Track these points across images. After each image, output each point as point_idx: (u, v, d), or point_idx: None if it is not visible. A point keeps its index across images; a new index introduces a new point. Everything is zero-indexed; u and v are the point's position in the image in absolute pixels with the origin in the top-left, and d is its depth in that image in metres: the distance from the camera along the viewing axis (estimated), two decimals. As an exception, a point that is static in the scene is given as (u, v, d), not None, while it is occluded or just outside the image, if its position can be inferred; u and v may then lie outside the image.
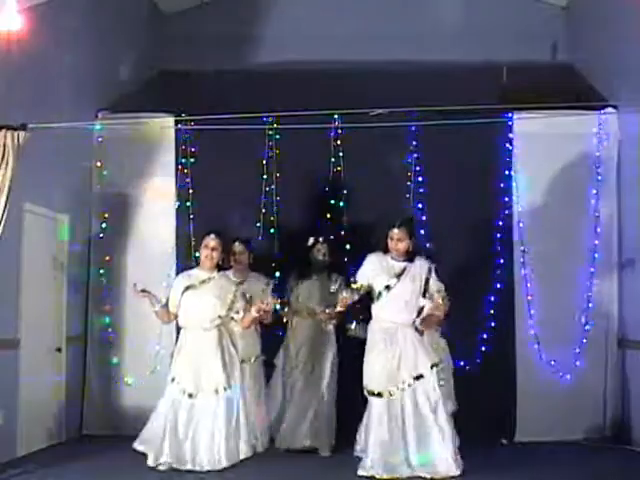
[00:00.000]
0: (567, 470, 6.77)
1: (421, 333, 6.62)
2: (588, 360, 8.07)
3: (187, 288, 6.80)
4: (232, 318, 6.88)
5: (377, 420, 6.41)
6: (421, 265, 6.66)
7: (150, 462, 6.54)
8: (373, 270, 6.64)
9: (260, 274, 7.61)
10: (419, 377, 6.44)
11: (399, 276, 6.58)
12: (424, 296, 6.62)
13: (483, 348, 8.07)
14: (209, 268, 6.88)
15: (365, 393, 6.56)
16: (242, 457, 6.74)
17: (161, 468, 6.52)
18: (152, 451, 6.56)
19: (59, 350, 7.82)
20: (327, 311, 7.38)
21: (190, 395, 6.64)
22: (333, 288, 7.06)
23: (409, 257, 6.64)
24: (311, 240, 7.57)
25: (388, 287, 6.56)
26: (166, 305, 6.89)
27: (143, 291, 6.78)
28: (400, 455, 6.35)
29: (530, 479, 6.59)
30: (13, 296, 6.95)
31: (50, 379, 7.74)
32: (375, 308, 6.65)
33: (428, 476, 6.29)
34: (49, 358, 7.71)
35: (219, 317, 6.81)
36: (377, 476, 6.28)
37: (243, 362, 7.12)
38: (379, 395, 6.45)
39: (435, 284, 6.65)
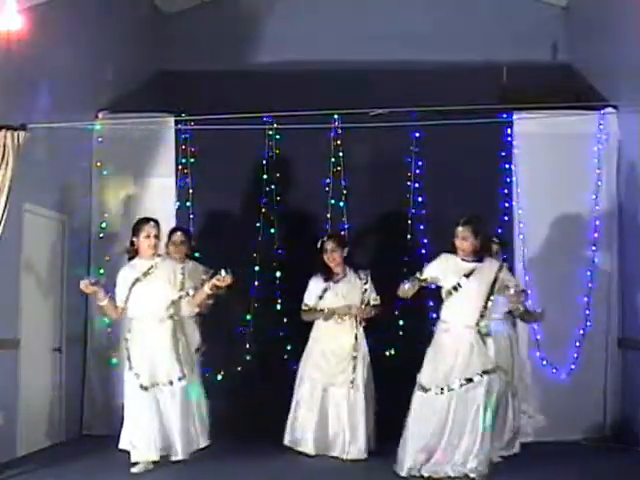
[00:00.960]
0: (567, 470, 6.76)
1: (485, 335, 6.55)
2: (588, 360, 8.06)
3: (135, 281, 6.72)
4: (184, 296, 6.78)
5: (418, 416, 6.40)
6: (490, 266, 6.60)
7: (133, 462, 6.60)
8: (442, 269, 6.58)
9: (197, 264, 7.53)
10: (469, 380, 6.39)
11: (467, 276, 6.51)
12: (491, 294, 6.53)
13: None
14: (150, 256, 6.78)
15: (417, 389, 6.52)
16: (200, 447, 6.79)
17: (136, 470, 6.57)
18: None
19: (59, 350, 7.83)
20: (363, 307, 7.28)
21: (146, 388, 6.61)
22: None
23: (478, 257, 6.57)
24: (320, 242, 7.39)
25: (456, 287, 6.51)
26: (113, 300, 6.78)
27: (93, 284, 6.65)
28: (441, 454, 6.34)
29: (530, 479, 6.59)
30: (13, 296, 6.95)
31: (50, 379, 7.74)
32: (442, 308, 6.63)
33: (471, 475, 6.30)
34: (49, 358, 7.71)
35: (172, 302, 6.75)
36: (401, 472, 6.33)
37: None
38: (426, 390, 6.42)
39: (506, 279, 6.56)
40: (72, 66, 7.76)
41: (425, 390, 6.43)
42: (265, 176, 8.23)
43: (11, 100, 6.57)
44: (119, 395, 8.18)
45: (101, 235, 8.37)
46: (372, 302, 7.33)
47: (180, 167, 8.32)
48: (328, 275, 7.33)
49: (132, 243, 6.83)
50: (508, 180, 8.25)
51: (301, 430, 7.22)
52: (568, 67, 9.60)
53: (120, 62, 8.91)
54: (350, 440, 7.10)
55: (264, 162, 8.23)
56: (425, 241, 8.14)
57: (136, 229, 6.81)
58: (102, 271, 8.33)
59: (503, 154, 8.26)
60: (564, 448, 7.65)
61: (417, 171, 8.21)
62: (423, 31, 9.75)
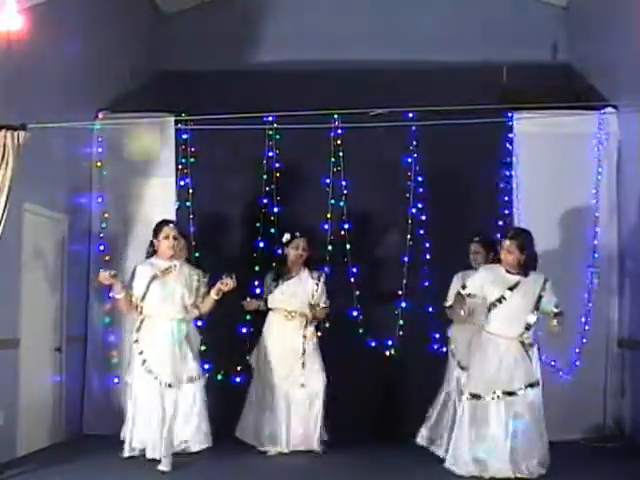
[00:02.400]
0: (566, 470, 6.76)
1: (528, 347, 6.56)
2: (588, 360, 8.06)
3: (153, 277, 6.79)
4: (198, 303, 6.91)
5: (462, 422, 6.45)
6: (536, 280, 6.60)
7: (150, 455, 6.63)
8: (485, 280, 6.61)
9: (191, 265, 7.56)
10: (511, 394, 6.43)
11: (512, 289, 6.53)
12: (537, 309, 6.55)
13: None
14: (169, 257, 6.86)
15: (464, 396, 6.56)
16: (203, 447, 6.83)
17: (164, 469, 6.56)
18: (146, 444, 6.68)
19: (59, 350, 7.82)
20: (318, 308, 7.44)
21: (170, 385, 6.66)
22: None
23: (523, 271, 6.58)
24: (287, 236, 7.50)
25: (500, 300, 6.53)
26: (130, 294, 6.82)
27: (113, 276, 6.72)
28: (484, 460, 6.41)
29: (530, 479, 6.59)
30: (13, 296, 6.95)
31: (50, 379, 7.74)
32: (486, 318, 6.63)
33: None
34: (49, 358, 7.71)
35: (186, 306, 6.84)
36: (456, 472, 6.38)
37: None
38: (476, 397, 6.45)
39: (550, 300, 6.59)
40: (72, 66, 7.77)
41: (474, 397, 6.46)
42: (265, 176, 8.23)
43: (11, 100, 6.57)
44: (119, 395, 8.23)
45: (101, 235, 8.37)
46: (322, 305, 7.49)
47: (180, 167, 8.32)
48: (282, 272, 7.48)
49: (152, 244, 6.93)
50: (508, 180, 8.24)
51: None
52: (568, 67, 9.60)
53: (120, 62, 8.92)
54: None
55: (264, 162, 8.23)
56: (425, 241, 8.12)
57: (156, 230, 6.91)
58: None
59: (503, 154, 8.26)
60: (564, 448, 7.64)
61: (417, 171, 8.20)
62: (423, 31, 9.75)
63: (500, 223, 8.20)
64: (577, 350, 8.08)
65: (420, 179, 8.23)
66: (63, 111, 7.41)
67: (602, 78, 8.62)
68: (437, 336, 8.03)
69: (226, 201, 8.24)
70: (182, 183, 8.30)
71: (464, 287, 6.72)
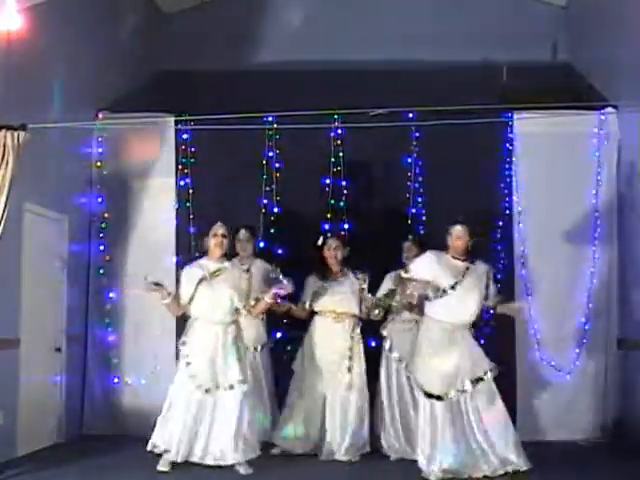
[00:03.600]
0: (567, 470, 6.77)
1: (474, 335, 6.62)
2: (588, 360, 8.07)
3: (200, 280, 6.72)
4: (247, 307, 6.84)
5: (441, 423, 6.34)
6: (482, 267, 6.64)
7: (172, 458, 6.54)
8: (433, 267, 6.55)
9: (263, 260, 7.60)
10: (479, 380, 6.41)
11: (463, 275, 6.50)
12: (485, 299, 6.59)
13: (483, 348, 8.04)
14: (218, 257, 6.83)
15: (422, 395, 6.49)
16: (256, 454, 6.69)
17: (163, 469, 6.52)
18: (171, 446, 6.54)
19: (59, 350, 7.82)
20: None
21: (207, 390, 6.58)
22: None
23: (469, 257, 6.59)
24: (321, 239, 7.41)
25: (452, 286, 6.48)
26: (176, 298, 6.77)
27: (156, 284, 6.64)
28: (475, 454, 6.35)
29: (530, 479, 6.59)
30: (13, 296, 6.95)
31: (50, 379, 7.74)
32: (434, 307, 6.56)
33: (507, 470, 6.34)
34: (49, 358, 7.71)
35: (236, 309, 6.78)
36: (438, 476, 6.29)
37: (254, 350, 7.31)
38: (440, 398, 6.37)
39: (493, 288, 6.64)
40: (72, 66, 7.77)
41: (437, 397, 6.38)
42: (265, 176, 8.23)
43: (11, 100, 6.57)
44: (119, 395, 8.25)
45: (101, 235, 8.37)
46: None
47: (180, 167, 8.32)
48: (326, 274, 7.32)
49: (203, 244, 6.94)
50: (508, 179, 8.25)
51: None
52: (568, 67, 9.60)
53: (120, 62, 8.92)
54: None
55: (264, 162, 8.23)
56: (425, 241, 8.10)
57: (208, 230, 6.92)
58: (102, 271, 8.34)
59: (503, 154, 8.26)
60: (564, 448, 7.65)
61: (417, 171, 8.20)
62: (423, 31, 9.74)
63: (500, 223, 8.21)
64: (577, 350, 8.08)
65: (420, 179, 8.23)
66: (63, 111, 7.42)
67: (602, 78, 8.62)
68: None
69: (226, 201, 8.23)
70: (182, 183, 8.30)
71: (407, 271, 6.62)
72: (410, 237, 7.43)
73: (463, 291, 6.47)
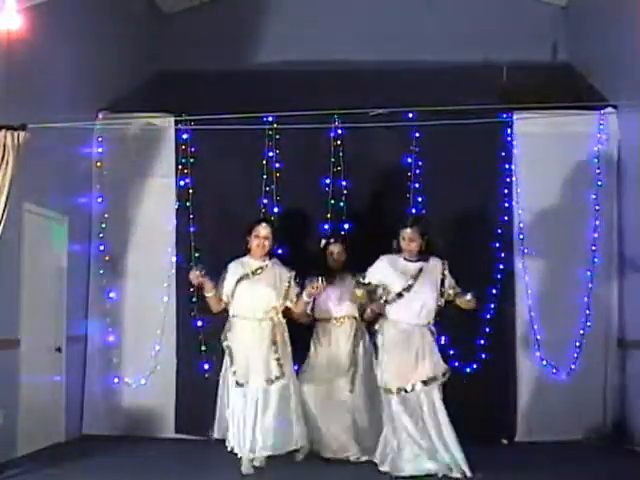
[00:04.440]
0: (567, 470, 6.77)
1: (433, 334, 6.65)
2: (588, 360, 8.07)
3: (241, 277, 6.80)
4: (288, 306, 6.88)
5: (397, 418, 6.43)
6: (435, 264, 6.68)
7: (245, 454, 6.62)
8: (387, 271, 6.62)
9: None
10: (434, 379, 6.47)
11: (416, 277, 6.57)
12: (441, 296, 6.64)
13: (483, 348, 8.06)
14: (261, 256, 6.89)
15: (382, 392, 6.58)
16: (294, 447, 6.77)
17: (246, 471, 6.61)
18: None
19: (59, 350, 7.82)
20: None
21: (242, 385, 6.64)
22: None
23: (423, 257, 6.63)
24: (323, 241, 7.45)
25: (407, 289, 6.55)
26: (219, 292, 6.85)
27: (203, 276, 6.76)
28: (425, 452, 6.37)
29: (530, 479, 6.60)
30: (13, 296, 6.95)
31: (50, 379, 7.74)
32: (392, 310, 6.63)
33: (458, 475, 6.33)
34: (49, 358, 7.71)
35: (273, 307, 6.81)
36: (403, 474, 6.32)
37: None
38: (396, 393, 6.45)
39: (450, 283, 6.69)
40: (72, 66, 7.77)
41: (394, 392, 6.45)
42: (265, 176, 8.23)
43: (11, 100, 6.57)
44: (119, 395, 8.25)
45: (101, 235, 8.37)
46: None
47: (180, 167, 8.32)
48: (326, 278, 7.31)
49: (246, 242, 6.97)
50: (508, 180, 8.24)
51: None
52: (568, 67, 9.60)
53: (120, 62, 8.92)
54: None
55: (264, 162, 8.22)
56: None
57: (249, 229, 6.95)
58: (102, 271, 8.34)
59: (503, 154, 8.26)
60: (564, 448, 7.65)
61: (417, 171, 8.20)
62: (423, 31, 9.75)
63: (500, 223, 8.20)
64: (577, 350, 8.08)
65: (420, 179, 8.22)
66: (63, 111, 7.42)
67: (602, 78, 8.62)
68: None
69: (226, 201, 8.23)
70: (182, 183, 8.29)
71: (364, 277, 6.69)
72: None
73: (418, 292, 6.56)
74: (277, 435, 6.63)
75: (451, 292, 6.69)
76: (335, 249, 7.40)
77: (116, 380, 8.25)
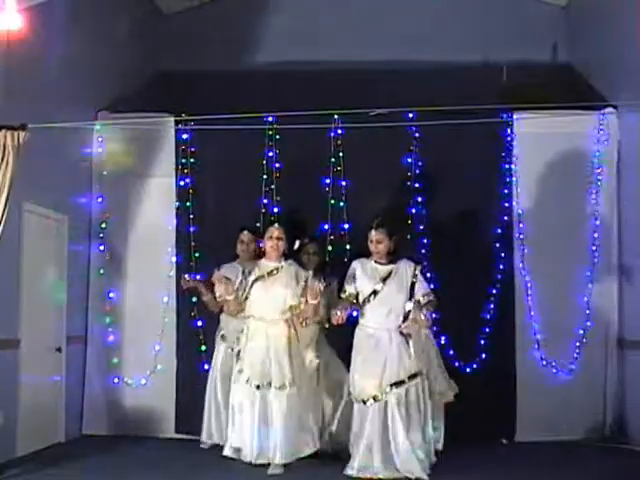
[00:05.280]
0: (567, 470, 6.77)
1: (407, 337, 6.52)
2: (588, 360, 8.07)
3: (256, 279, 6.80)
4: (303, 303, 6.80)
5: (362, 425, 6.36)
6: (407, 267, 6.59)
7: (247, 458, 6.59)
8: (358, 276, 6.58)
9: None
10: (400, 383, 6.36)
11: (385, 280, 6.51)
12: (410, 299, 6.53)
13: (483, 349, 8.07)
14: (276, 258, 6.87)
15: (353, 399, 6.54)
16: (306, 453, 6.69)
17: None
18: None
19: (59, 350, 7.82)
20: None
21: (258, 387, 6.61)
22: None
23: (393, 259, 6.58)
24: (297, 243, 7.25)
25: (375, 292, 6.50)
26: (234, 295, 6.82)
27: (227, 278, 6.79)
28: (383, 456, 6.30)
29: (530, 479, 6.60)
30: (13, 296, 6.95)
31: (50, 379, 7.74)
32: (363, 313, 6.59)
33: (412, 477, 6.27)
34: (49, 358, 7.71)
35: (290, 307, 6.77)
36: (364, 476, 6.27)
37: None
38: (365, 402, 6.39)
39: (421, 287, 6.57)
40: (72, 66, 7.76)
41: (364, 401, 6.38)
42: (265, 176, 8.23)
43: (11, 100, 6.57)
44: (119, 395, 8.25)
45: (101, 235, 8.37)
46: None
47: (180, 167, 8.32)
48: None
49: (259, 245, 7.02)
50: (508, 180, 8.25)
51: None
52: (568, 67, 9.60)
53: (120, 62, 8.92)
54: None
55: (264, 162, 8.22)
56: (425, 241, 8.12)
57: (264, 231, 7.01)
58: (102, 271, 8.34)
59: (503, 154, 8.26)
60: (564, 448, 7.65)
61: (417, 171, 8.20)
62: (423, 31, 9.75)
63: (500, 223, 8.20)
64: (577, 350, 8.08)
65: (420, 179, 8.22)
66: (63, 111, 7.41)
67: (602, 78, 8.62)
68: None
69: (226, 201, 8.23)
70: (182, 183, 8.29)
71: (345, 291, 6.60)
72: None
73: (386, 295, 6.49)
74: (282, 441, 6.55)
75: (421, 299, 6.51)
76: (311, 249, 7.38)
77: (116, 380, 8.25)
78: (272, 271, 6.85)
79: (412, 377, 6.41)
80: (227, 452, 6.77)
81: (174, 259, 8.18)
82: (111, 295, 8.35)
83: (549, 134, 8.16)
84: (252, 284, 6.80)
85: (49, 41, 7.22)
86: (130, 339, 8.32)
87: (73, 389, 8.09)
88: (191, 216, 8.26)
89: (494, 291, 8.11)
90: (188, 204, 8.28)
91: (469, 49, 9.59)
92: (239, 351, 6.82)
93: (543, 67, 9.61)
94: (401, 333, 6.49)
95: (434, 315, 6.71)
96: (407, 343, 6.48)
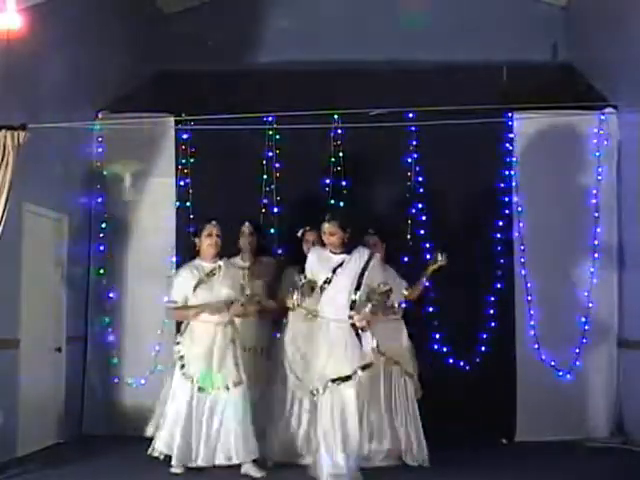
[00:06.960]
0: (567, 470, 6.77)
1: (358, 330, 6.38)
2: (588, 360, 8.08)
3: (198, 283, 6.71)
4: (245, 301, 6.75)
5: (310, 418, 6.46)
6: (360, 256, 6.50)
7: (174, 464, 6.50)
8: (315, 265, 6.55)
9: (269, 257, 7.53)
10: (346, 378, 6.27)
11: (335, 270, 6.46)
12: (357, 289, 6.42)
13: (483, 348, 8.09)
14: (212, 257, 6.81)
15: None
16: (257, 455, 6.61)
17: (177, 471, 6.49)
18: (174, 451, 6.52)
19: (59, 350, 7.82)
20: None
21: (202, 389, 6.56)
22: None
23: (347, 249, 6.52)
24: (300, 231, 7.30)
25: (326, 282, 6.46)
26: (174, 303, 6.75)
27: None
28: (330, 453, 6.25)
29: (530, 479, 6.60)
30: (13, 296, 6.95)
31: (50, 379, 7.74)
32: (319, 303, 6.54)
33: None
34: (49, 358, 7.71)
35: (231, 302, 6.69)
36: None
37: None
38: (313, 394, 6.39)
39: (373, 275, 6.44)
40: (72, 66, 7.76)
41: (312, 393, 6.39)
42: (265, 176, 8.23)
43: (11, 100, 6.57)
44: (119, 395, 8.26)
45: (101, 235, 8.37)
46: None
47: (180, 167, 8.32)
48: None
49: (194, 244, 6.89)
50: (508, 179, 8.25)
51: None
52: (568, 67, 9.59)
53: (120, 62, 8.91)
54: None
55: (264, 162, 8.23)
56: (425, 240, 8.12)
57: (198, 229, 6.88)
58: (102, 271, 8.35)
59: (503, 154, 8.26)
60: (564, 448, 7.65)
61: (417, 171, 8.20)
62: (423, 31, 9.73)
63: (500, 223, 8.21)
64: (577, 350, 8.08)
65: (420, 179, 8.23)
66: (63, 111, 7.42)
67: (602, 78, 8.61)
68: (437, 336, 8.05)
69: (226, 201, 8.23)
70: (182, 183, 8.30)
71: (305, 277, 6.59)
72: (371, 231, 7.24)
73: (336, 285, 6.43)
74: (238, 441, 6.48)
75: (376, 286, 6.37)
76: (310, 237, 7.28)
77: (116, 380, 8.26)
78: (212, 271, 6.76)
79: (360, 369, 6.27)
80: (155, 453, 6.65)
81: (174, 259, 8.18)
82: (111, 295, 8.35)
83: (549, 134, 8.16)
84: (193, 289, 6.67)
85: (49, 41, 7.22)
86: (130, 339, 8.32)
87: (73, 389, 8.09)
88: (191, 216, 8.26)
89: (494, 291, 8.11)
90: (188, 204, 8.29)
91: (469, 49, 9.57)
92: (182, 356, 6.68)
93: (543, 67, 9.59)
94: (352, 325, 6.36)
95: (403, 305, 6.73)
96: (357, 336, 6.36)
